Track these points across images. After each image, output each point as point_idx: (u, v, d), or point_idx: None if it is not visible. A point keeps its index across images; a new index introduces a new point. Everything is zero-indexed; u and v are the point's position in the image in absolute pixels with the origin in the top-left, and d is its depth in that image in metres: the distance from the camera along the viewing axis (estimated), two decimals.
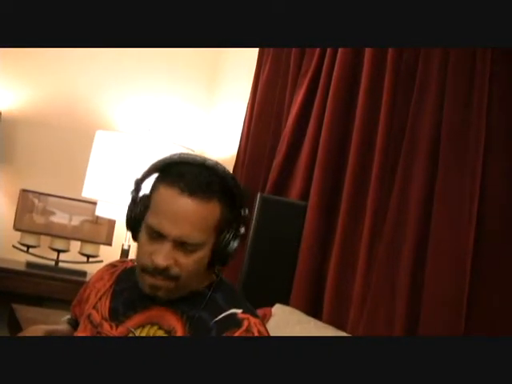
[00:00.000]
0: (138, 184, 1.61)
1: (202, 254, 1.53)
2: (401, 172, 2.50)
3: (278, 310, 2.55)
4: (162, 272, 1.51)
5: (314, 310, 2.74)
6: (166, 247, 1.50)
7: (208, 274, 1.61)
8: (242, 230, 1.57)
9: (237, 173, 3.49)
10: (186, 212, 1.49)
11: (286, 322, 2.43)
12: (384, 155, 2.62)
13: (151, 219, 1.53)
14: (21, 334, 1.76)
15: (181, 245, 1.50)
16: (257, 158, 3.43)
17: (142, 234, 1.56)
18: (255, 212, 2.87)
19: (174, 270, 1.52)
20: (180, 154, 1.57)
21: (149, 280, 1.54)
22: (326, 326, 2.42)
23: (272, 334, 1.89)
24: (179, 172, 1.52)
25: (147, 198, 1.57)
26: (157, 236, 1.52)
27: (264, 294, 2.56)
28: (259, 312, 1.67)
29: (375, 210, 2.63)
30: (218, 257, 1.56)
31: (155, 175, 1.57)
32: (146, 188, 1.59)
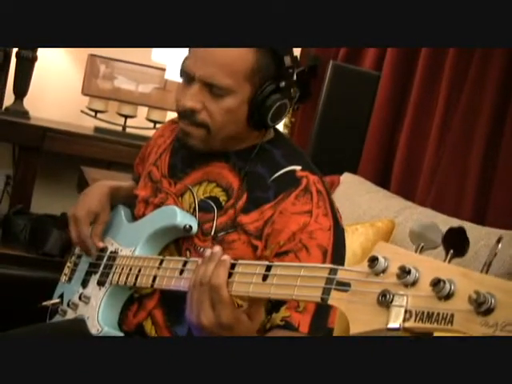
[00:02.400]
0: None
1: (233, 103, 1.46)
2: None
3: (346, 178, 2.52)
4: (190, 116, 1.48)
5: (382, 181, 2.72)
6: (194, 88, 1.47)
7: (264, 131, 1.55)
8: (283, 83, 1.47)
9: None
10: (213, 52, 1.44)
11: (355, 190, 2.41)
12: None
13: (183, 62, 1.50)
14: (87, 189, 1.78)
15: (208, 87, 1.45)
16: None
17: (181, 80, 1.53)
18: (326, 81, 2.81)
19: (202, 116, 1.47)
20: None
21: (181, 125, 1.52)
22: (395, 196, 2.39)
23: (340, 201, 1.88)
24: None
25: None
26: (189, 80, 1.48)
27: (333, 163, 2.53)
28: (327, 179, 1.62)
29: (451, 82, 2.54)
30: (256, 111, 1.48)
31: None
32: None
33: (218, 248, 1.23)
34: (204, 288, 1.20)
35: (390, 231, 2.08)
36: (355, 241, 2.04)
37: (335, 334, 1.46)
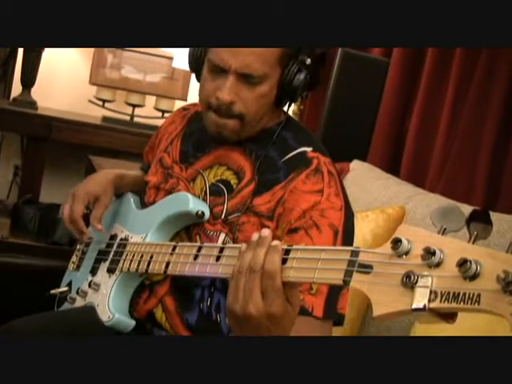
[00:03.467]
0: None
1: (267, 88, 1.47)
2: None
3: (356, 165, 2.51)
4: (226, 108, 1.47)
5: (391, 168, 2.70)
6: (229, 81, 1.45)
7: (276, 113, 1.56)
8: (308, 61, 1.49)
9: None
10: None
11: (364, 177, 2.39)
12: None
13: (212, 53, 1.47)
14: (93, 174, 1.77)
15: (244, 78, 1.45)
16: None
17: (205, 72, 1.51)
18: (335, 67, 2.79)
19: (238, 107, 1.47)
20: None
21: (214, 118, 1.51)
22: (405, 182, 2.37)
23: (350, 188, 1.87)
24: None
25: None
26: (219, 71, 1.46)
27: (342, 150, 2.51)
28: (337, 167, 1.62)
29: (462, 68, 2.52)
30: (285, 92, 1.49)
31: None
32: None
33: (267, 231, 1.10)
34: (255, 275, 1.07)
35: (401, 217, 2.07)
36: (366, 227, 2.03)
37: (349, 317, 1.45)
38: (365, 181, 2.36)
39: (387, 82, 2.82)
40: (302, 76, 1.48)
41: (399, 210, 2.09)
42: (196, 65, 1.55)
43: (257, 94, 1.47)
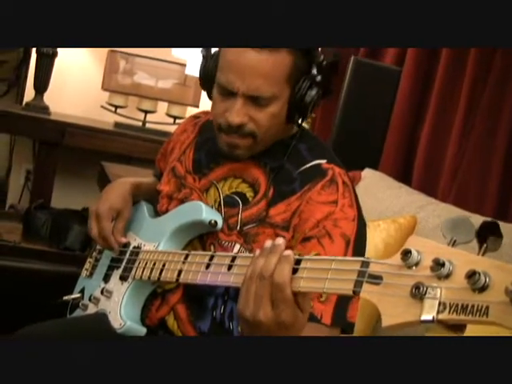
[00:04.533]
0: None
1: (277, 107, 1.47)
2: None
3: (367, 173, 2.51)
4: (237, 130, 1.47)
5: (403, 177, 2.70)
6: (238, 104, 1.45)
7: (289, 126, 1.56)
8: (319, 78, 1.48)
9: None
10: (253, 64, 1.42)
11: (376, 186, 2.39)
12: None
13: (220, 77, 1.47)
14: (109, 186, 1.78)
15: (252, 100, 1.45)
16: None
17: (215, 93, 1.51)
18: (347, 76, 2.79)
19: (249, 127, 1.47)
20: None
21: (225, 139, 1.51)
22: (417, 192, 2.37)
23: (362, 197, 1.86)
24: None
25: (217, 55, 1.51)
26: (228, 94, 1.47)
27: (354, 158, 2.51)
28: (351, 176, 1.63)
29: (474, 78, 2.52)
30: (296, 109, 1.49)
31: None
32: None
33: (281, 240, 1.12)
34: (264, 282, 1.09)
35: (413, 227, 2.07)
36: (377, 236, 2.03)
37: (359, 327, 1.45)
38: (376, 190, 2.36)
39: (399, 90, 2.82)
40: (313, 92, 1.48)
41: (411, 219, 2.09)
42: (206, 84, 1.56)
43: (267, 114, 1.47)
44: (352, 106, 2.79)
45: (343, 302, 1.40)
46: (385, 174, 2.60)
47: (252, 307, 1.10)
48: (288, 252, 1.10)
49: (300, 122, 1.55)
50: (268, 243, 1.13)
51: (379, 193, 2.33)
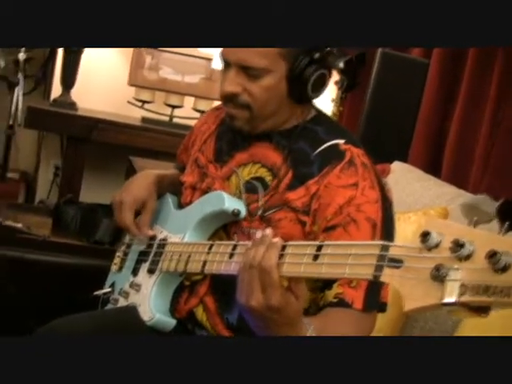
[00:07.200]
0: None
1: (272, 81, 1.48)
2: None
3: (396, 166, 2.49)
4: (231, 99, 1.51)
5: (432, 169, 2.68)
6: (230, 73, 1.49)
7: (306, 110, 1.57)
8: (317, 55, 1.49)
9: None
10: None
11: (405, 178, 2.37)
12: None
13: (221, 50, 1.53)
14: (133, 177, 1.78)
15: (244, 70, 1.48)
16: None
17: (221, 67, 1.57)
18: (374, 69, 2.77)
19: (243, 98, 1.51)
20: None
21: (226, 110, 1.56)
22: (447, 184, 2.35)
23: (391, 190, 1.85)
24: None
25: None
26: (226, 66, 1.51)
27: (382, 151, 2.49)
28: (378, 168, 1.61)
29: (504, 68, 2.49)
30: (296, 85, 1.50)
31: None
32: None
33: (268, 230, 1.21)
34: (254, 271, 1.18)
35: (444, 219, 2.05)
36: (408, 229, 2.01)
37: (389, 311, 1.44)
38: (406, 182, 2.34)
39: (427, 82, 2.80)
40: (311, 70, 1.49)
41: (441, 211, 2.07)
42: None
43: (262, 87, 1.49)
44: (380, 99, 2.77)
45: (375, 286, 1.39)
46: (414, 166, 2.58)
47: (245, 295, 1.20)
48: (276, 239, 1.19)
49: (308, 100, 1.55)
50: (258, 234, 1.22)
51: (409, 185, 2.31)
